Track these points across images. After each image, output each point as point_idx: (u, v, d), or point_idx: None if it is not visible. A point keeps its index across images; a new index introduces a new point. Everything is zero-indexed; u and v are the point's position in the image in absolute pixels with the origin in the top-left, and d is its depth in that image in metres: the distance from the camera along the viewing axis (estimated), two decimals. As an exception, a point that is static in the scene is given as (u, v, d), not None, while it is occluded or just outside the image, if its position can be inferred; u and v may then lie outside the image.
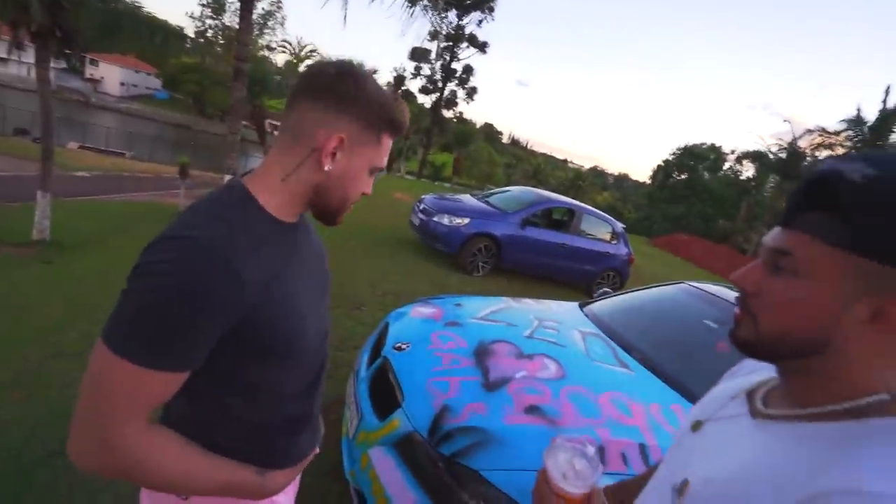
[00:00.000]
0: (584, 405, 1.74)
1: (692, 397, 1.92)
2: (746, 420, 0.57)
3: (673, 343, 2.42)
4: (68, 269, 4.41)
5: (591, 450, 0.68)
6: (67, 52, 7.82)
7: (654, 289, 3.08)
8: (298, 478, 0.99)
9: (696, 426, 0.63)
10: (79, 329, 2.99)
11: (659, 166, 34.56)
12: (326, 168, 0.74)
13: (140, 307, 0.61)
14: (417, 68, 31.37)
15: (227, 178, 6.24)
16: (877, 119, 18.59)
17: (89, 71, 46.93)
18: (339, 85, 0.73)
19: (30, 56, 6.14)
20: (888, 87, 18.52)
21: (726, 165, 32.72)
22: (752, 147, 33.94)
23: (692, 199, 31.11)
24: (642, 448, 1.57)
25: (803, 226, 0.49)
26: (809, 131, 21.15)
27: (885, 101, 18.45)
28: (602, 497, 0.65)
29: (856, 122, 19.16)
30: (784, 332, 0.50)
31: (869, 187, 0.44)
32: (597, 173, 79.10)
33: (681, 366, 2.16)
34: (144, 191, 11.38)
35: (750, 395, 0.61)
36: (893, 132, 18.24)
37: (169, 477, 0.67)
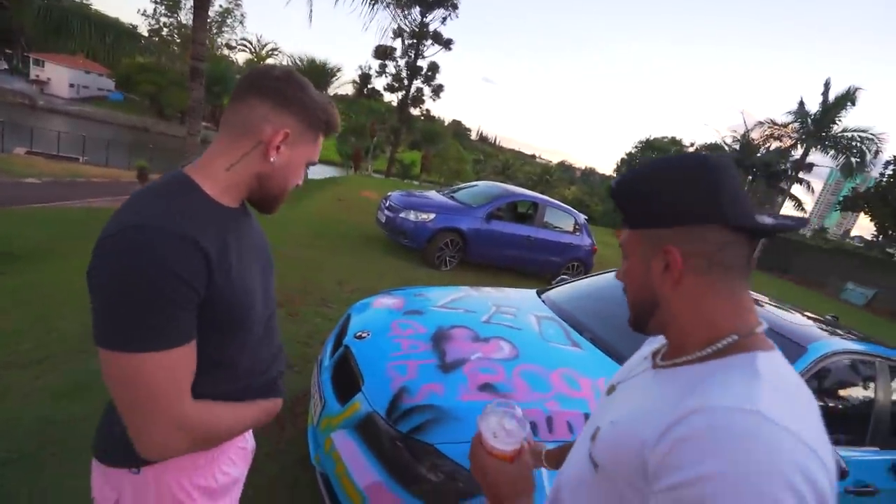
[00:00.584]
0: (536, 381, 1.86)
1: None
2: (648, 373, 0.70)
3: (621, 322, 2.56)
4: (21, 278, 4.25)
5: (518, 411, 0.75)
6: (8, 51, 7.42)
7: (607, 273, 3.24)
8: (249, 459, 1.05)
9: (611, 390, 0.75)
10: (35, 338, 2.92)
11: (622, 159, 35.55)
12: (272, 159, 0.82)
13: (126, 300, 0.66)
14: (382, 66, 31.13)
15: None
16: (819, 112, 19.69)
17: (34, 72, 44.39)
18: (286, 87, 0.82)
19: (-33, 57, 5.85)
20: (828, 81, 19.62)
21: (686, 157, 33.95)
22: (709, 140, 35.18)
23: (655, 190, 32.15)
24: (587, 417, 1.70)
25: (622, 222, 0.70)
26: (760, 123, 22.20)
27: (825, 95, 19.54)
28: (528, 455, 0.73)
29: (799, 113, 20.23)
30: (633, 300, 0.68)
31: (615, 191, 0.68)
32: (564, 168, 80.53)
33: (628, 342, 2.32)
34: (102, 196, 10.96)
35: (654, 354, 0.73)
36: (835, 123, 19.34)
37: (230, 428, 0.82)
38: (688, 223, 0.60)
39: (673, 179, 0.61)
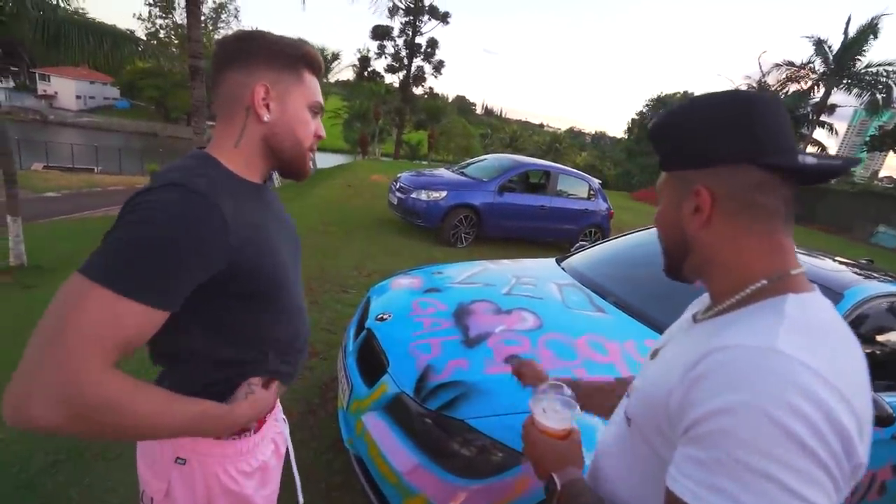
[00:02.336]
0: (562, 350, 1.83)
1: (664, 330, 2.02)
2: (687, 330, 0.67)
3: (645, 283, 2.51)
4: (50, 292, 4.37)
5: (567, 391, 0.78)
6: (13, 68, 7.54)
7: (627, 236, 3.17)
8: (286, 443, 1.04)
9: (654, 354, 0.72)
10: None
11: (633, 120, 34.60)
12: (265, 118, 0.79)
13: (129, 241, 0.63)
14: (381, 47, 30.63)
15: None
16: (839, 48, 18.72)
17: (41, 87, 45.06)
18: (244, 44, 0.79)
19: (-28, 78, 5.93)
20: (849, 17, 18.60)
21: (699, 111, 32.87)
22: (723, 90, 33.87)
23: (669, 148, 31.32)
24: (617, 381, 1.67)
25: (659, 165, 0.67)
26: (777, 66, 21.23)
27: (846, 31, 18.54)
28: (579, 435, 0.75)
29: (819, 52, 19.26)
30: (665, 245, 0.67)
31: (653, 130, 0.65)
32: (574, 134, 78.94)
33: (654, 303, 2.26)
34: (118, 204, 11.17)
35: (695, 314, 0.70)
36: (857, 59, 18.39)
37: (141, 417, 0.63)
38: (718, 163, 0.58)
39: (705, 118, 0.58)
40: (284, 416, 1.05)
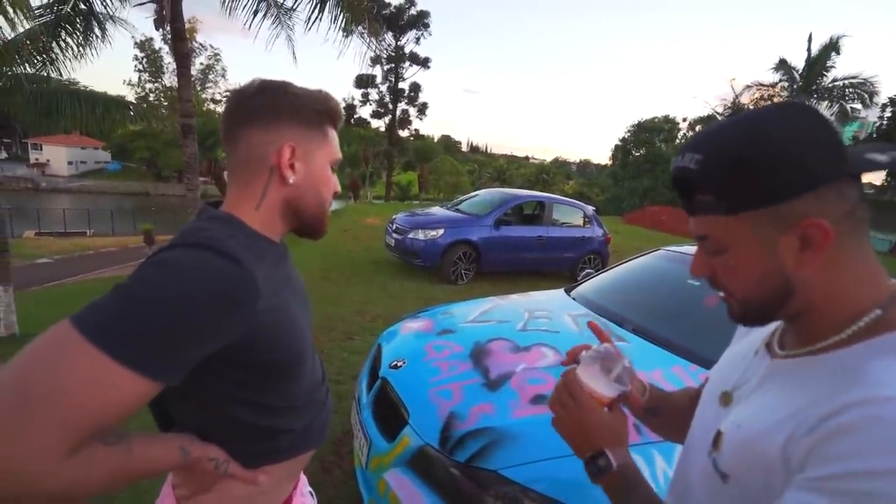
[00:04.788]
0: (588, 384, 1.75)
1: (690, 356, 1.95)
2: (771, 368, 0.59)
3: (661, 308, 2.46)
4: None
5: (627, 360, 0.68)
6: (6, 140, 7.59)
7: (633, 261, 3.13)
8: None
9: (726, 399, 0.63)
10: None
11: (617, 146, 35.39)
12: (291, 181, 0.74)
13: (141, 298, 0.54)
14: (365, 95, 31.59)
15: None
16: (805, 66, 19.57)
17: (33, 156, 45.63)
18: (268, 99, 0.73)
19: (-35, 151, 5.98)
20: (810, 35, 19.56)
21: (680, 134, 33.76)
22: (701, 112, 35.01)
23: (655, 171, 31.89)
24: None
25: (699, 211, 0.56)
26: (748, 87, 22.07)
27: (808, 49, 19.45)
28: (622, 412, 0.67)
29: (784, 70, 20.11)
30: (751, 296, 0.55)
31: (705, 169, 0.52)
32: (559, 164, 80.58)
33: (673, 328, 2.20)
34: (113, 265, 11.07)
35: (768, 345, 0.63)
36: (823, 75, 19.20)
37: (90, 489, 0.53)
38: (821, 185, 0.48)
39: (791, 138, 0.49)
40: (312, 490, 0.96)
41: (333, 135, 0.81)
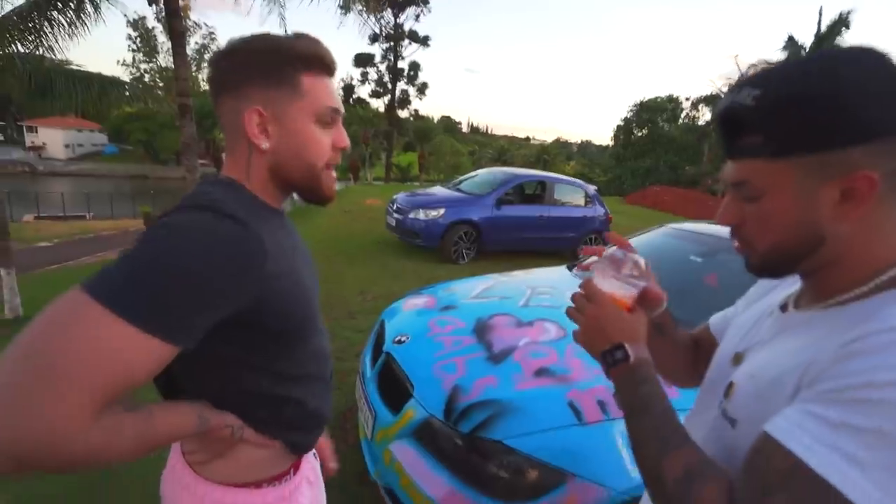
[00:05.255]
0: (591, 359, 1.76)
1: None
2: (785, 323, 0.60)
3: (666, 284, 2.45)
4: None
5: (641, 261, 0.67)
6: (1, 123, 7.51)
7: (639, 236, 3.12)
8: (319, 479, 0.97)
9: (737, 359, 0.64)
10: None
11: (619, 126, 35.03)
12: (265, 147, 0.68)
13: (151, 262, 0.52)
14: (364, 74, 31.14)
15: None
16: (813, 43, 19.19)
17: (29, 139, 45.20)
18: (230, 61, 0.68)
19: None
20: (821, 9, 19.14)
21: (683, 113, 33.37)
22: (705, 92, 34.50)
23: (657, 151, 31.64)
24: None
25: (742, 153, 0.54)
26: (753, 66, 21.67)
27: (819, 24, 19.06)
28: (642, 312, 0.67)
29: (791, 48, 19.74)
30: (778, 245, 0.54)
31: (762, 106, 0.49)
32: (560, 144, 79.84)
33: (675, 304, 2.19)
34: (114, 248, 11.07)
35: (783, 307, 0.63)
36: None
37: (114, 456, 0.53)
38: (878, 136, 0.46)
39: (860, 81, 0.46)
40: (315, 450, 0.98)
41: (314, 83, 0.69)
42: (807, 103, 0.47)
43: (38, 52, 6.65)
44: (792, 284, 0.68)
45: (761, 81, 0.50)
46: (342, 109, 0.74)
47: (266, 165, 0.71)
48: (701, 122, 31.98)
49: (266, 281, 0.62)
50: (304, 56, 0.68)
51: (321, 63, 0.70)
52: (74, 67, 8.28)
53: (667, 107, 32.79)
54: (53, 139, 45.39)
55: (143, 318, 0.50)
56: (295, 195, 0.79)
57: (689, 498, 0.47)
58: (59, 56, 7.45)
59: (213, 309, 0.57)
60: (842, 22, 18.44)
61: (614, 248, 0.69)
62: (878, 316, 0.46)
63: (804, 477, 0.41)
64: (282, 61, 0.67)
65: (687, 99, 32.92)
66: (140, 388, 0.55)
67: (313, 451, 0.97)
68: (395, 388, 1.80)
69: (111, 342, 0.49)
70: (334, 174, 0.77)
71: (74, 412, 0.47)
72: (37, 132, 44.88)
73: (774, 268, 0.58)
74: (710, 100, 25.82)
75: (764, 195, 0.53)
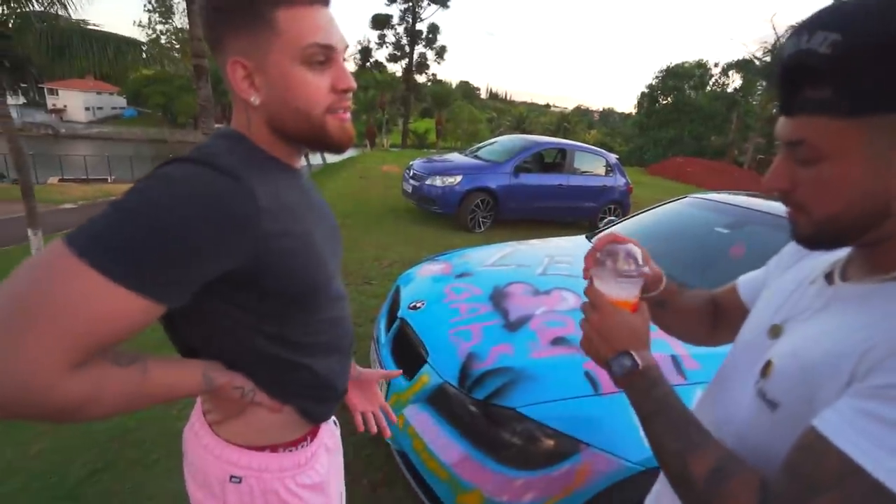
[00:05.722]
0: (609, 328, 1.72)
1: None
2: (831, 296, 0.54)
3: (688, 255, 2.38)
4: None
5: (637, 252, 0.64)
6: (22, 84, 7.57)
7: (660, 207, 3.02)
8: (341, 457, 0.98)
9: (776, 331, 0.59)
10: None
11: (643, 93, 33.72)
12: (254, 101, 0.63)
13: (134, 216, 0.50)
14: (381, 37, 30.32)
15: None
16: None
17: (51, 102, 45.71)
18: (205, 15, 0.62)
19: (-17, 95, 5.98)
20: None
21: (712, 80, 31.92)
22: (736, 56, 32.85)
23: (682, 120, 30.49)
24: (674, 359, 1.56)
25: (804, 109, 0.47)
26: (792, 27, 20.50)
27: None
28: (646, 307, 0.64)
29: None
30: (838, 216, 0.48)
31: (842, 54, 0.42)
32: (581, 112, 77.66)
33: (699, 275, 2.13)
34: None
35: (828, 275, 0.58)
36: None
37: (105, 409, 0.53)
38: None
39: None
40: (335, 418, 0.97)
41: (292, 17, 0.59)
42: (886, 56, 0.40)
43: (52, 11, 6.61)
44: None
45: (840, 24, 0.42)
46: (337, 44, 0.63)
47: (263, 121, 0.65)
48: (730, 90, 30.62)
49: (265, 240, 0.58)
50: None
51: None
52: (91, 28, 8.23)
53: (695, 73, 31.37)
54: (74, 102, 45.83)
55: (115, 272, 0.48)
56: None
57: (720, 495, 0.45)
58: (73, 15, 7.40)
59: (199, 266, 0.53)
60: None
61: (608, 246, 0.65)
62: None
63: (859, 481, 0.38)
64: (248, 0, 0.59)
65: (716, 65, 31.40)
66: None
67: (333, 418, 0.96)
68: (409, 354, 1.79)
69: (86, 294, 0.47)
70: (347, 117, 0.68)
71: (50, 358, 0.46)
72: (58, 94, 45.30)
73: (830, 240, 0.52)
74: (742, 65, 24.58)
75: (825, 158, 0.46)
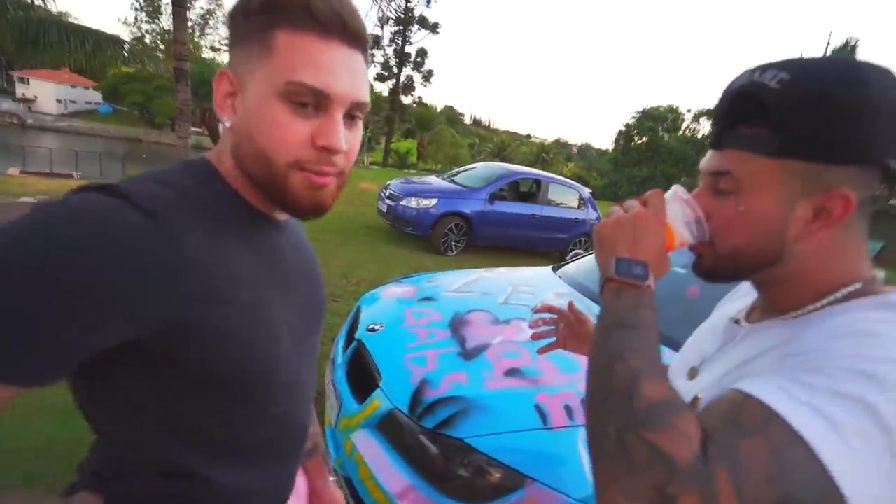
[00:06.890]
0: (564, 362, 1.73)
1: (668, 342, 1.94)
2: (739, 335, 0.58)
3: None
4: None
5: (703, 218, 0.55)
6: (-10, 70, 7.29)
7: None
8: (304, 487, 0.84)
9: (693, 373, 0.62)
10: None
11: (620, 131, 34.99)
12: (226, 121, 0.52)
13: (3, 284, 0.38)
14: (370, 56, 30.68)
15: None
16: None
17: (20, 90, 44.08)
18: (230, 14, 0.54)
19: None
20: (831, 32, 19.30)
21: (684, 125, 33.45)
22: (706, 105, 34.63)
23: (655, 160, 31.70)
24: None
25: (735, 143, 0.50)
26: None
27: (826, 47, 19.21)
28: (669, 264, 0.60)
29: None
30: (739, 248, 0.52)
31: (788, 92, 0.45)
32: (560, 145, 79.89)
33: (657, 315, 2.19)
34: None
35: (736, 321, 0.62)
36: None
37: None
38: (868, 162, 0.45)
39: (884, 100, 0.44)
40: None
41: (292, 42, 0.49)
42: (832, 108, 0.44)
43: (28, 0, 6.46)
44: (744, 296, 0.68)
45: (791, 67, 0.46)
46: (335, 93, 0.50)
47: (231, 152, 0.55)
48: (700, 136, 32.12)
49: (181, 303, 0.46)
50: (277, 2, 0.48)
51: (307, 13, 0.48)
52: (69, 21, 8.05)
53: (667, 116, 32.84)
54: (45, 93, 44.31)
55: None
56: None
57: (665, 422, 0.43)
58: (53, 8, 7.24)
59: (77, 333, 0.41)
60: (846, 49, 18.61)
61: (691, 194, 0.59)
62: (828, 321, 0.46)
63: (780, 427, 0.39)
64: (254, 8, 0.49)
65: (688, 111, 33.02)
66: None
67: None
68: (362, 377, 1.76)
69: None
70: (323, 182, 0.54)
71: None
72: (28, 84, 43.76)
73: (729, 273, 0.55)
74: (711, 113, 25.90)
75: (742, 190, 0.50)
